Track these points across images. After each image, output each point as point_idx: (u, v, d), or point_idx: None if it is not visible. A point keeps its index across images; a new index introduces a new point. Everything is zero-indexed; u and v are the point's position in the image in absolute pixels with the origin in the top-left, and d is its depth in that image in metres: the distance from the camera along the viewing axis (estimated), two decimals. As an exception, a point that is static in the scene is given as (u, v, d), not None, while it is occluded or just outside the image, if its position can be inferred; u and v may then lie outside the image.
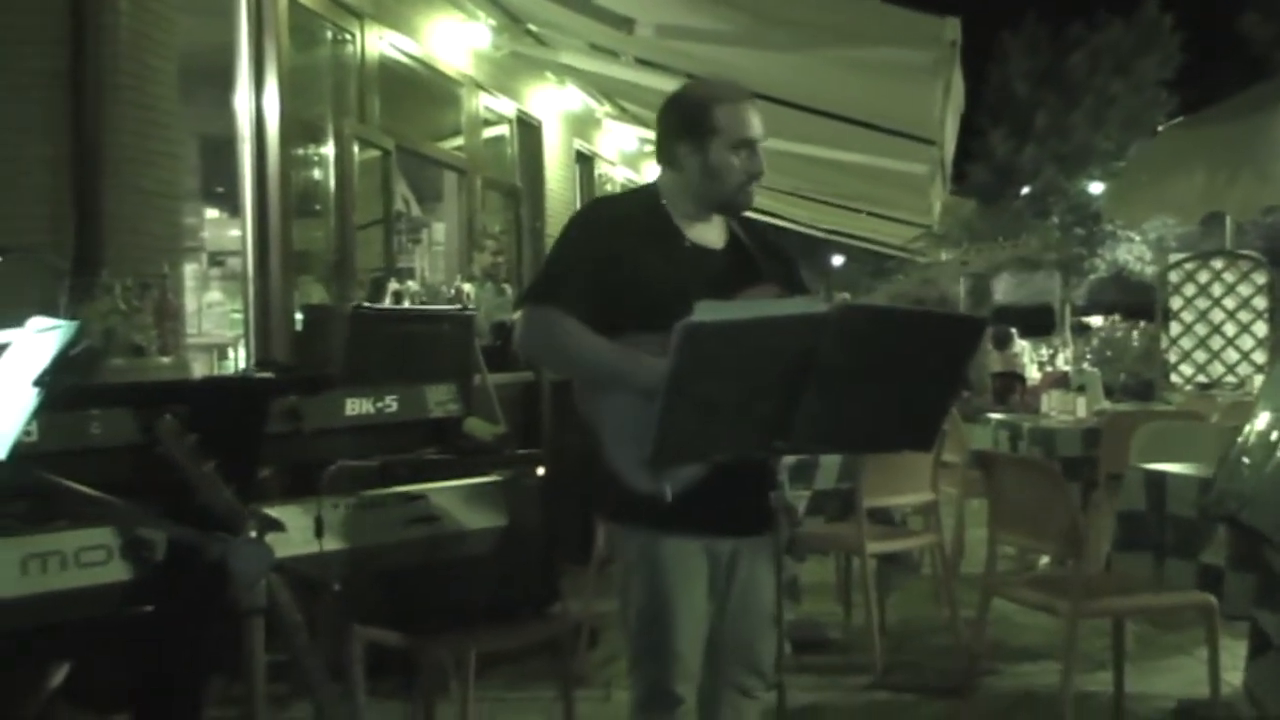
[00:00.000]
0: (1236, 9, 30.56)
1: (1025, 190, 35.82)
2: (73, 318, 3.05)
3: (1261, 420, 2.62)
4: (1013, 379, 14.51)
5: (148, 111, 5.85)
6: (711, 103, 3.20)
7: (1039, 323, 31.72)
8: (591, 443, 3.12)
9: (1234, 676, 4.74)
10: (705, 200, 3.26)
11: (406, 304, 7.82)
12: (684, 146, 3.23)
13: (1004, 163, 35.96)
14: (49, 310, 3.50)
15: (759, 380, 2.65)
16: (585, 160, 14.15)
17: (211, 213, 10.42)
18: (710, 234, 3.31)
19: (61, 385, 2.17)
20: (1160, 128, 18.04)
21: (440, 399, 3.80)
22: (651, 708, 3.19)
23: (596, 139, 14.39)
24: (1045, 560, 7.02)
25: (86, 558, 2.68)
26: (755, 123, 3.23)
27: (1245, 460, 2.55)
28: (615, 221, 3.26)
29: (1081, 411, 7.62)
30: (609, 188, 14.68)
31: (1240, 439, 2.54)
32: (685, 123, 3.23)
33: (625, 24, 7.36)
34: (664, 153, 3.31)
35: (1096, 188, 32.15)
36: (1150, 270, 30.24)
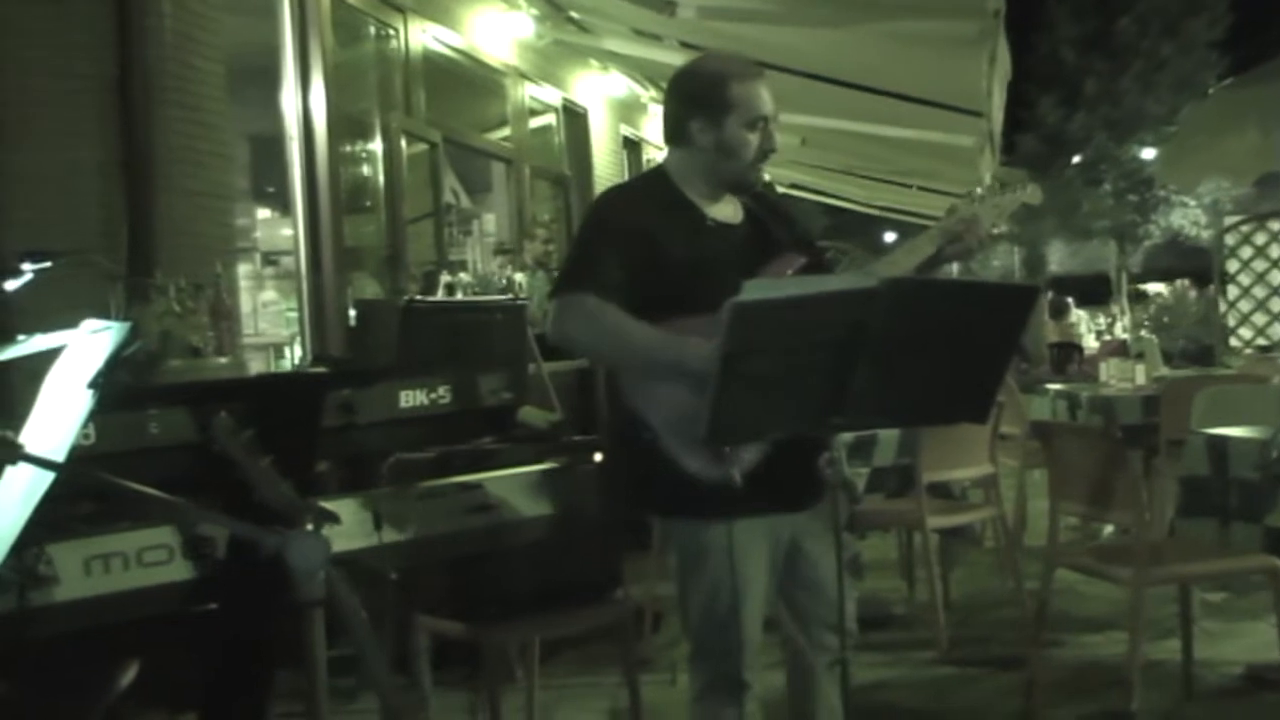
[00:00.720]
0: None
1: (1076, 159, 35.44)
2: (126, 319, 3.08)
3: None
4: (1070, 349, 14.38)
5: (196, 113, 5.90)
6: (727, 78, 3.13)
7: (1095, 291, 31.43)
8: (640, 438, 3.03)
9: (1304, 640, 4.68)
10: (718, 178, 3.19)
11: (459, 295, 7.85)
12: (697, 123, 3.15)
13: (1054, 131, 35.56)
14: (102, 313, 3.53)
15: (811, 357, 2.64)
16: (633, 146, 14.15)
17: (263, 212, 10.53)
18: (727, 210, 3.25)
19: (117, 386, 2.20)
20: (1211, 89, 17.78)
21: (494, 387, 3.81)
22: (720, 697, 3.15)
23: (643, 124, 14.37)
24: (1109, 530, 6.95)
25: (149, 557, 2.71)
26: (769, 99, 3.16)
27: (1306, 419, 2.53)
28: (637, 203, 3.20)
29: (1140, 379, 7.55)
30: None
31: (1301, 398, 2.52)
32: (699, 98, 3.16)
33: (667, 6, 7.35)
34: (674, 130, 3.22)
35: (1149, 153, 31.75)
36: (1206, 234, 29.87)
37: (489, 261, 10.63)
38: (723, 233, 3.20)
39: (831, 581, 3.09)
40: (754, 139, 3.14)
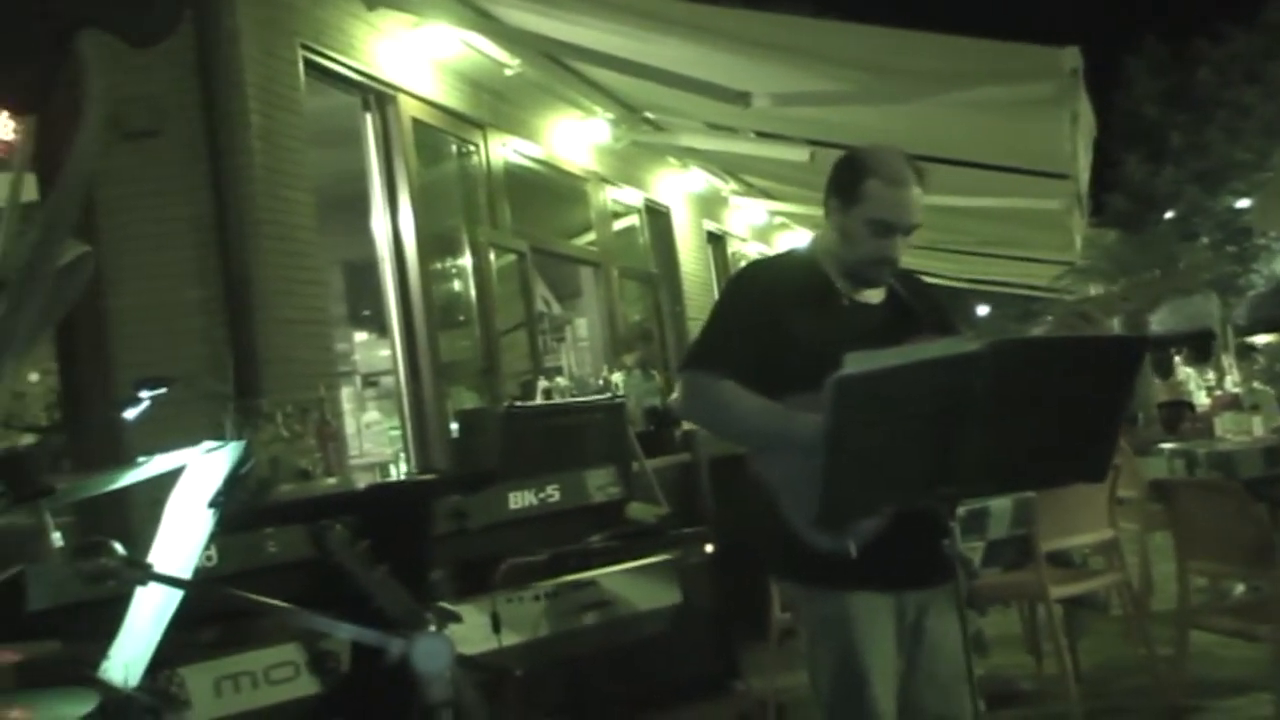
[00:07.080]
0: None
1: (1169, 214, 35.00)
2: (240, 439, 3.14)
3: None
4: (1181, 407, 14.06)
5: (290, 244, 6.03)
6: (868, 172, 3.17)
7: (1201, 348, 30.83)
8: (765, 504, 3.09)
9: None
10: (839, 261, 3.24)
11: (557, 400, 7.89)
12: (833, 201, 3.24)
13: (1142, 188, 35.21)
14: (216, 434, 3.60)
15: (917, 426, 2.61)
16: (716, 239, 14.21)
17: (361, 335, 10.70)
18: (868, 289, 3.28)
19: (236, 505, 2.23)
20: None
21: (601, 483, 3.82)
22: None
23: (725, 217, 14.45)
24: (1240, 588, 6.75)
25: (276, 675, 2.74)
26: (904, 210, 3.16)
27: None
28: (770, 285, 3.26)
29: (1258, 430, 7.37)
30: (743, 264, 14.67)
31: None
32: (839, 180, 3.24)
33: (741, 98, 7.36)
34: (824, 203, 3.31)
35: (1243, 202, 31.26)
36: (1313, 279, 29.29)
37: (584, 365, 10.69)
38: (857, 312, 3.24)
39: (953, 679, 3.05)
40: (873, 239, 3.16)
